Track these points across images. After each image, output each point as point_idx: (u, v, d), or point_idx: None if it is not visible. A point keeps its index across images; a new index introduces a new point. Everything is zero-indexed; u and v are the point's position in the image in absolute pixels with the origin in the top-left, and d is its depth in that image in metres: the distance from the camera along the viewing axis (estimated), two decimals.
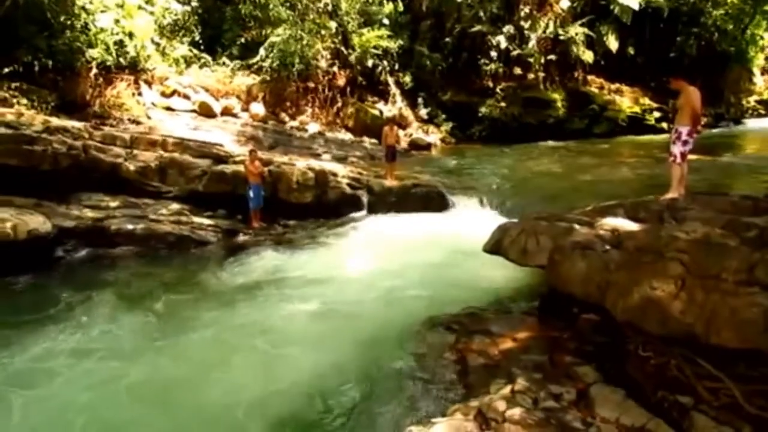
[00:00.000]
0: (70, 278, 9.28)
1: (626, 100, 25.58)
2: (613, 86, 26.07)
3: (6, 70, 14.45)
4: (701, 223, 5.20)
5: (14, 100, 14.00)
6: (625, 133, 24.09)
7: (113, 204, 11.08)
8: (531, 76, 24.56)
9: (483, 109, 23.50)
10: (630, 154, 18.99)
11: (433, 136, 22.91)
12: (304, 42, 20.02)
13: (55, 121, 11.99)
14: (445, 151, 21.83)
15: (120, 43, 16.96)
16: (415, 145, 21.46)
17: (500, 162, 17.89)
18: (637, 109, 25.21)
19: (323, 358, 6.12)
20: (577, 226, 6.53)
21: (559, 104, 24.20)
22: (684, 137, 7.37)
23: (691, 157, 7.77)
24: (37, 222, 9.62)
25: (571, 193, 12.33)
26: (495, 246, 7.31)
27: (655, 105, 25.34)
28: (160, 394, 5.56)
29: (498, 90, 24.13)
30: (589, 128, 24.45)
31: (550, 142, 22.06)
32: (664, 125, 23.91)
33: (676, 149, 7.45)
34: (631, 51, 25.71)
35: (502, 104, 23.68)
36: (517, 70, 24.54)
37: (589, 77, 25.72)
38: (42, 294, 8.53)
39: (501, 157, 19.06)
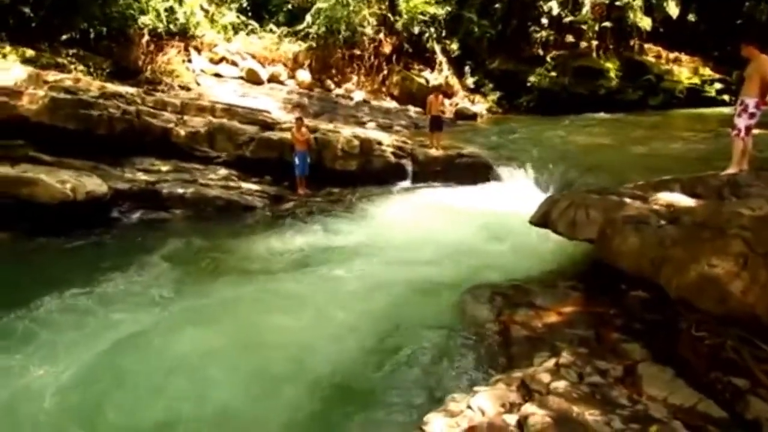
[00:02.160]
0: (125, 238, 9.67)
1: (685, 71, 24.33)
2: (672, 55, 24.80)
3: (64, 37, 14.91)
4: (766, 201, 4.94)
5: (72, 66, 14.46)
6: (683, 105, 22.98)
7: (164, 168, 11.40)
8: (583, 44, 23.63)
9: (532, 79, 22.82)
10: (686, 128, 18.14)
11: (480, 106, 22.47)
12: (351, 8, 19.80)
13: (110, 87, 12.33)
14: (491, 121, 21.40)
15: (170, 10, 17.21)
16: (461, 115, 21.12)
17: (548, 133, 17.41)
18: (696, 80, 23.98)
19: (365, 325, 6.18)
20: (629, 200, 6.33)
21: (613, 74, 23.23)
22: (751, 109, 6.97)
23: (756, 131, 7.37)
24: (95, 184, 10.01)
25: (622, 167, 11.91)
26: (542, 218, 7.17)
27: (716, 76, 24.04)
28: (211, 352, 5.76)
29: (548, 59, 23.34)
30: (643, 100, 23.43)
31: (602, 114, 21.27)
32: (726, 98, 22.70)
33: (741, 122, 7.07)
34: (692, 17, 24.33)
35: (552, 74, 22.92)
36: (569, 38, 23.64)
37: (646, 46, 24.53)
38: (99, 252, 8.94)
39: (549, 128, 18.52)
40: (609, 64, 23.35)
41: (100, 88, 11.91)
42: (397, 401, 4.80)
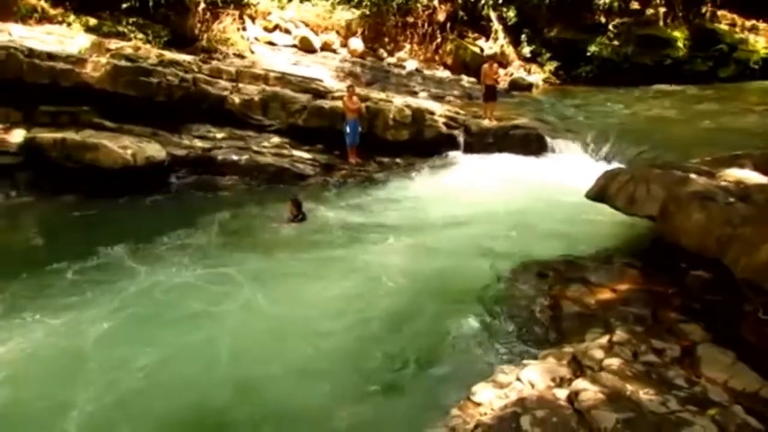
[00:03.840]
0: (181, 203, 10.03)
1: (762, 40, 22.62)
2: (748, 23, 23.10)
3: (124, 5, 15.26)
4: None
5: (132, 35, 14.82)
6: (757, 77, 21.43)
7: (219, 135, 11.63)
8: (650, 11, 22.31)
9: (592, 48, 21.79)
10: (760, 102, 16.99)
11: (536, 76, 21.72)
12: None
13: (168, 55, 12.59)
14: (547, 92, 20.69)
15: None
16: (516, 85, 20.49)
17: (607, 105, 16.71)
18: None
19: (415, 295, 6.21)
20: (694, 176, 6.01)
21: (680, 43, 21.88)
22: None
23: None
24: (154, 150, 10.35)
25: (687, 142, 11.34)
26: (599, 192, 6.93)
27: None
28: (265, 315, 5.94)
29: (611, 26, 22.17)
30: (713, 71, 22.00)
31: (666, 86, 20.17)
32: None
33: None
34: None
35: (615, 42, 21.79)
36: (634, 5, 22.36)
37: (719, 13, 22.93)
38: (157, 215, 9.30)
39: (609, 100, 17.76)
40: (677, 33, 21.99)
41: (158, 56, 12.19)
42: (445, 370, 4.83)
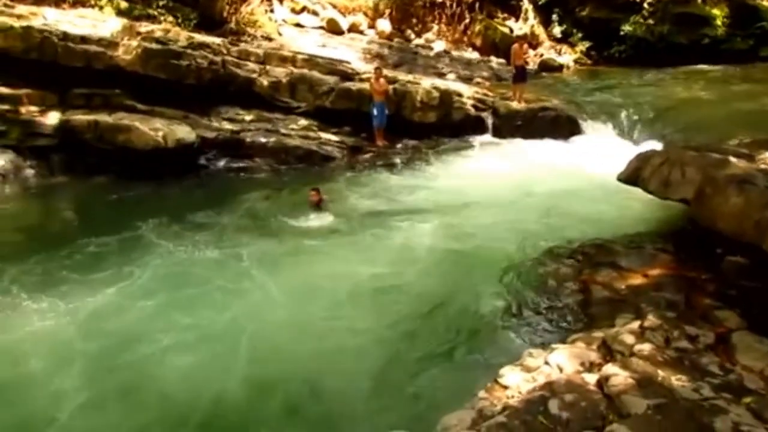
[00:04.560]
0: (210, 184, 10.17)
1: None
2: None
3: None
4: None
5: (162, 18, 14.94)
6: None
7: (248, 118, 11.71)
8: None
9: (626, 27, 21.15)
10: None
11: (567, 57, 21.24)
12: None
13: (198, 37, 12.64)
14: (578, 73, 20.23)
15: None
16: (546, 66, 20.09)
17: (641, 87, 16.24)
18: None
19: (441, 277, 6.22)
20: (732, 159, 5.84)
21: (719, 21, 21.07)
22: None
23: None
24: (184, 132, 10.48)
25: (725, 124, 10.96)
26: (632, 175, 6.79)
27: None
28: (290, 295, 6.02)
29: (646, 4, 21.45)
30: (753, 50, 21.13)
31: (704, 66, 19.51)
32: None
33: None
34: None
35: (649, 21, 21.10)
36: None
37: None
38: (187, 196, 9.45)
39: (642, 81, 17.27)
40: (716, 11, 21.18)
41: (188, 38, 12.25)
42: (472, 353, 4.84)
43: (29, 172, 10.19)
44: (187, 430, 4.19)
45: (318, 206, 8.42)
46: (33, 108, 10.49)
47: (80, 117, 10.32)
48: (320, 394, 4.48)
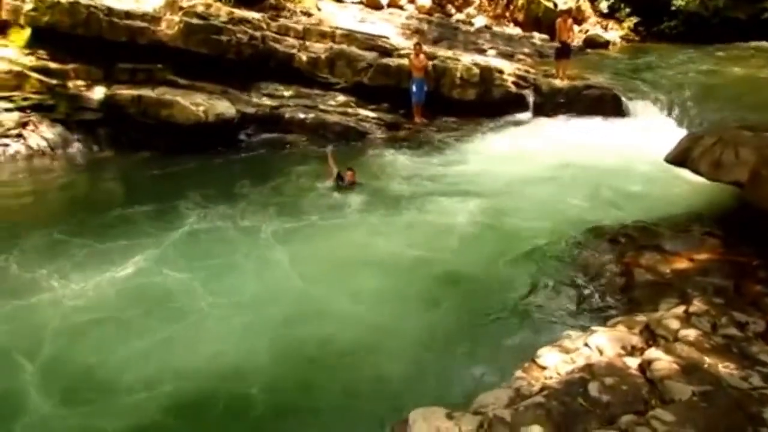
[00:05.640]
0: (250, 159, 10.29)
1: None
2: None
3: None
4: None
5: None
6: None
7: (287, 93, 11.76)
8: None
9: (677, 1, 20.20)
10: None
11: (613, 33, 20.48)
12: None
13: (238, 12, 12.68)
14: (625, 50, 19.49)
15: None
16: (591, 43, 19.42)
17: (692, 65, 15.51)
18: None
19: (478, 257, 6.15)
20: None
21: None
22: None
23: None
24: (224, 107, 10.61)
25: None
26: (681, 156, 6.53)
27: None
28: (332, 263, 6.11)
29: None
30: None
31: (762, 43, 18.52)
32: None
33: None
34: None
35: None
36: None
37: None
38: (227, 170, 9.59)
39: (694, 58, 16.48)
40: None
41: (228, 13, 12.30)
42: (509, 332, 4.79)
43: (76, 145, 10.52)
44: (221, 385, 4.33)
45: (352, 185, 8.40)
46: (80, 82, 10.78)
47: (124, 92, 10.54)
48: (358, 366, 4.51)
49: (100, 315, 5.22)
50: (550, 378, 3.58)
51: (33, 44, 10.92)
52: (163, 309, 5.28)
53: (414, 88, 11.45)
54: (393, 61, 11.98)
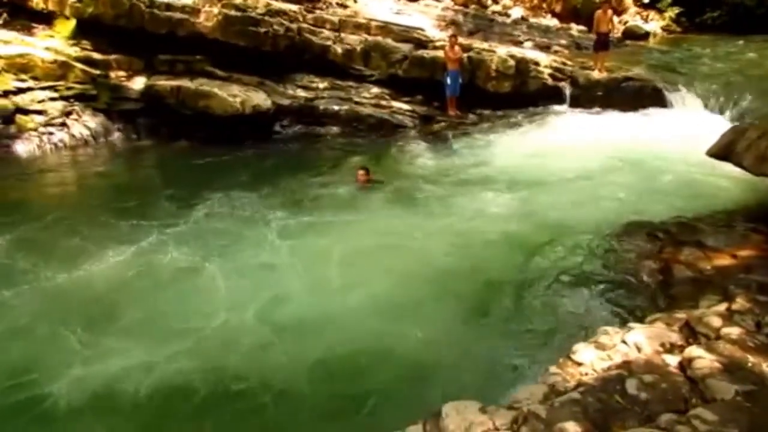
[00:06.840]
0: (285, 150, 10.40)
1: None
2: None
3: None
4: None
5: None
6: None
7: (321, 85, 11.83)
8: None
9: None
10: None
11: (654, 24, 19.94)
12: None
13: (275, 4, 12.79)
14: (666, 41, 18.95)
15: None
16: (631, 34, 18.96)
17: (737, 56, 15.00)
18: None
19: (512, 250, 6.11)
20: None
21: None
22: None
23: None
24: (260, 99, 10.74)
25: None
26: (724, 150, 6.35)
27: None
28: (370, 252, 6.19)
29: None
30: None
31: None
32: None
33: None
34: None
35: None
36: None
37: None
38: (263, 161, 9.72)
39: (738, 50, 15.93)
40: None
41: (266, 5, 12.41)
42: (544, 327, 4.75)
43: (117, 135, 10.82)
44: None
45: (367, 185, 8.16)
46: (121, 73, 11.07)
47: (164, 82, 10.77)
48: (390, 359, 4.53)
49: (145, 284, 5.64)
50: (586, 374, 3.54)
51: (77, 35, 11.28)
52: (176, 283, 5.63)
53: (449, 80, 11.37)
54: (428, 53, 11.93)
